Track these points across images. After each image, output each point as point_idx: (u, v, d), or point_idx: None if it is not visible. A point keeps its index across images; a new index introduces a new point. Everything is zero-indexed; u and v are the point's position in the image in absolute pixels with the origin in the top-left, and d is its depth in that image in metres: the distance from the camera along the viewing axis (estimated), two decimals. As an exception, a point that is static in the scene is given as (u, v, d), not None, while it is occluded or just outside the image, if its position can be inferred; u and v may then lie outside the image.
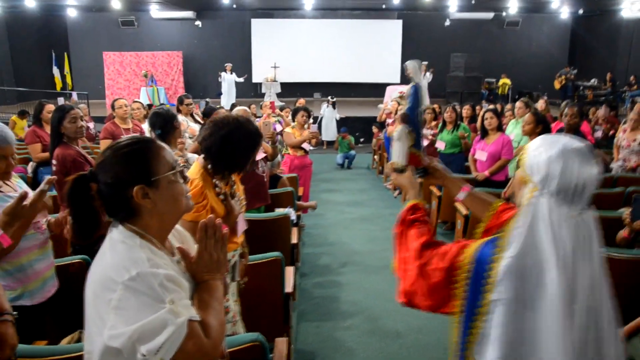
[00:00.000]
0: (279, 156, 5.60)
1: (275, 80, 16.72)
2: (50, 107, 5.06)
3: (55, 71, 19.22)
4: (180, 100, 6.60)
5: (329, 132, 13.00)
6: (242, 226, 2.70)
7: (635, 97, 13.12)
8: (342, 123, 12.89)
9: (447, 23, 17.54)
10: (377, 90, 16.43)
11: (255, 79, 17.88)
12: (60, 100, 8.42)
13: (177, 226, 1.58)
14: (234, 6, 16.06)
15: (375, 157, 10.92)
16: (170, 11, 17.52)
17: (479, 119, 5.93)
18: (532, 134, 4.54)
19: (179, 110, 6.11)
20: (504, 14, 17.05)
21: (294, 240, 4.00)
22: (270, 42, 17.80)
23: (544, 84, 16.78)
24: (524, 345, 1.35)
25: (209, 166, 2.47)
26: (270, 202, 4.59)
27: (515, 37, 18.10)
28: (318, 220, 6.98)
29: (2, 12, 16.77)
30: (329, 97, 13.40)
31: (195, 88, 17.66)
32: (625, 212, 3.31)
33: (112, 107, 5.41)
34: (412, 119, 1.87)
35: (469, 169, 5.82)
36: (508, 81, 16.95)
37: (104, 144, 5.18)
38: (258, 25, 17.93)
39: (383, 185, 9.18)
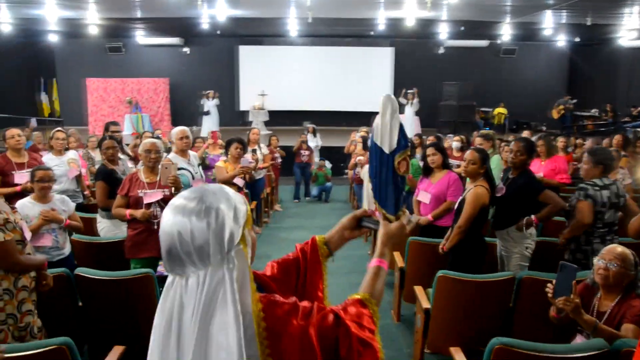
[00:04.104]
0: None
1: (262, 109, 16.14)
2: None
3: (44, 97, 18.93)
4: (106, 127, 6.11)
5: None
6: None
7: (637, 128, 12.34)
8: (323, 153, 12.20)
9: (441, 51, 16.94)
10: (366, 119, 15.78)
11: (242, 107, 17.34)
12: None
13: None
14: (220, 32, 15.60)
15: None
16: (157, 37, 17.13)
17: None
18: (474, 175, 3.81)
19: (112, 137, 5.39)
20: (499, 41, 16.43)
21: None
22: (258, 69, 17.30)
23: (542, 114, 16.03)
24: None
25: None
26: (160, 254, 3.88)
27: (512, 66, 17.41)
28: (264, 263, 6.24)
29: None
30: (308, 125, 12.68)
31: (182, 115, 17.16)
32: (549, 285, 2.54)
33: (3, 137, 4.79)
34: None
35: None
36: (504, 110, 16.26)
37: (-8, 181, 4.55)
38: (245, 52, 17.47)
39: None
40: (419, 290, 3.64)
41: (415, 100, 14.10)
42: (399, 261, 4.42)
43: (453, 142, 7.20)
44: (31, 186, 4.05)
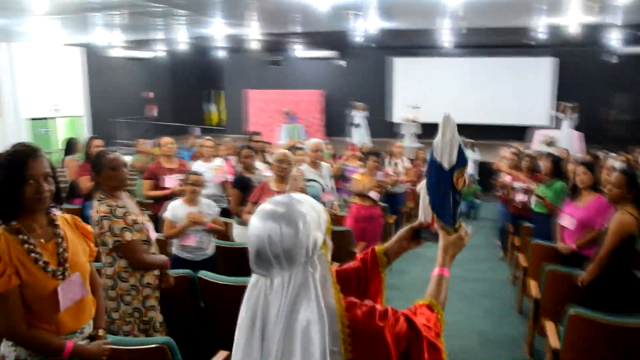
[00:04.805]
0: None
1: (414, 121, 15.96)
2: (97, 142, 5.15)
3: (211, 108, 20.87)
4: (249, 137, 6.45)
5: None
6: (70, 296, 2.05)
7: None
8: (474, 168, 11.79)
9: (611, 59, 15.32)
10: (522, 133, 14.87)
11: (394, 119, 17.32)
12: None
13: None
14: (373, 45, 15.79)
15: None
16: (313, 51, 17.85)
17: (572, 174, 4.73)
18: (620, 200, 3.37)
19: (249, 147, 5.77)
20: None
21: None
22: (410, 81, 17.19)
23: None
24: None
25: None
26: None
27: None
28: (397, 278, 6.11)
29: (166, 54, 18.52)
30: (466, 139, 12.30)
31: (335, 126, 17.63)
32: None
33: (157, 145, 5.30)
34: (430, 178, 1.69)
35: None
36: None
37: (146, 184, 5.06)
38: (398, 64, 17.47)
39: (495, 242, 7.98)
40: (549, 326, 3.29)
41: (574, 115, 13.01)
42: (534, 291, 4.06)
43: (613, 161, 6.49)
44: (180, 189, 4.44)
